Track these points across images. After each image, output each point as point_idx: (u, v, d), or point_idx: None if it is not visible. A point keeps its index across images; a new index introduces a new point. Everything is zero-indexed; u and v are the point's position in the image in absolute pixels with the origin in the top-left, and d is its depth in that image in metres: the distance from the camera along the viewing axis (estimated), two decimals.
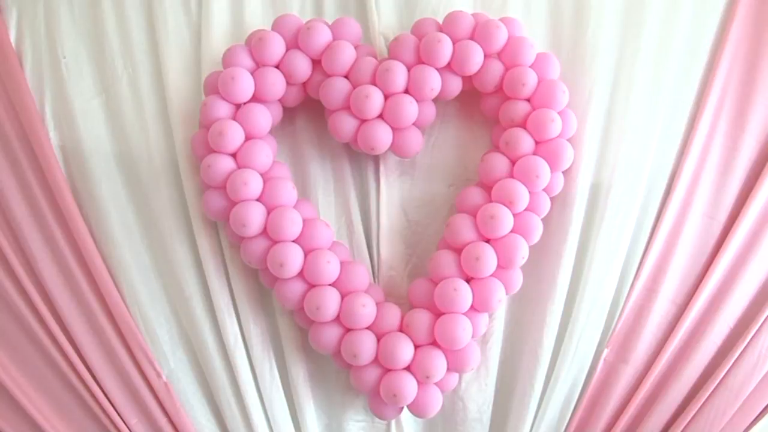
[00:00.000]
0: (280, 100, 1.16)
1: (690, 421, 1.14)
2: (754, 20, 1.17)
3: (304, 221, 1.11)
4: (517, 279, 1.12)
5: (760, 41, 1.17)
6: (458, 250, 1.11)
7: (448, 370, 1.11)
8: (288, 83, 1.14)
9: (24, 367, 1.18)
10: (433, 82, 1.12)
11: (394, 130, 1.13)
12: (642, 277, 1.16)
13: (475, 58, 1.11)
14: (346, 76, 1.13)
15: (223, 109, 1.11)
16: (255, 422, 1.18)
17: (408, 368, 1.10)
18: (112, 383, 1.18)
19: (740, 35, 1.17)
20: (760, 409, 1.14)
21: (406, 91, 1.13)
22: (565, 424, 1.19)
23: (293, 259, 1.08)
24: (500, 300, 1.09)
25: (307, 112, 1.22)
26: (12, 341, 1.18)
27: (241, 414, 1.19)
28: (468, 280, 1.10)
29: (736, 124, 1.17)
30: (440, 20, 1.15)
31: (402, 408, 1.14)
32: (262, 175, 1.11)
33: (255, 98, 1.13)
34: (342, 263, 1.12)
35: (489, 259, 1.08)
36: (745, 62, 1.17)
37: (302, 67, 1.13)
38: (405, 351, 1.09)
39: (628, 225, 1.15)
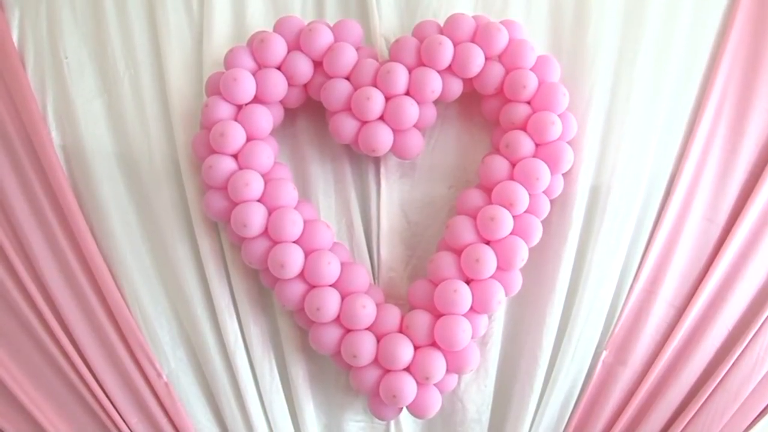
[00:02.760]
0: (281, 102, 1.16)
1: (688, 423, 1.15)
2: (753, 24, 1.18)
3: (305, 222, 1.11)
4: (517, 281, 1.12)
5: (759, 45, 1.17)
6: (458, 252, 1.12)
7: (448, 371, 1.11)
8: (289, 84, 1.14)
9: (25, 366, 1.18)
10: (433, 84, 1.12)
11: (395, 131, 1.14)
12: (641, 280, 1.16)
13: (476, 60, 1.12)
14: (347, 78, 1.13)
15: (224, 110, 1.12)
16: (255, 422, 1.19)
17: (407, 369, 1.11)
18: (112, 383, 1.18)
19: (740, 39, 1.17)
20: (759, 411, 1.15)
21: (407, 93, 1.13)
22: (564, 425, 1.19)
23: (294, 259, 1.08)
24: (500, 301, 1.10)
25: (308, 113, 1.22)
26: (13, 340, 1.18)
27: (241, 414, 1.19)
28: (468, 282, 1.10)
29: (736, 127, 1.17)
30: (441, 22, 1.15)
31: (401, 409, 1.15)
32: (263, 176, 1.11)
33: (256, 99, 1.13)
34: (342, 264, 1.12)
35: (489, 260, 1.08)
36: (745, 66, 1.17)
37: (304, 68, 1.13)
38: (405, 352, 1.09)
39: (628, 227, 1.16)
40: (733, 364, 1.13)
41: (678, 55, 1.18)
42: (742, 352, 1.13)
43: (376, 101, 1.11)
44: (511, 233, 1.10)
